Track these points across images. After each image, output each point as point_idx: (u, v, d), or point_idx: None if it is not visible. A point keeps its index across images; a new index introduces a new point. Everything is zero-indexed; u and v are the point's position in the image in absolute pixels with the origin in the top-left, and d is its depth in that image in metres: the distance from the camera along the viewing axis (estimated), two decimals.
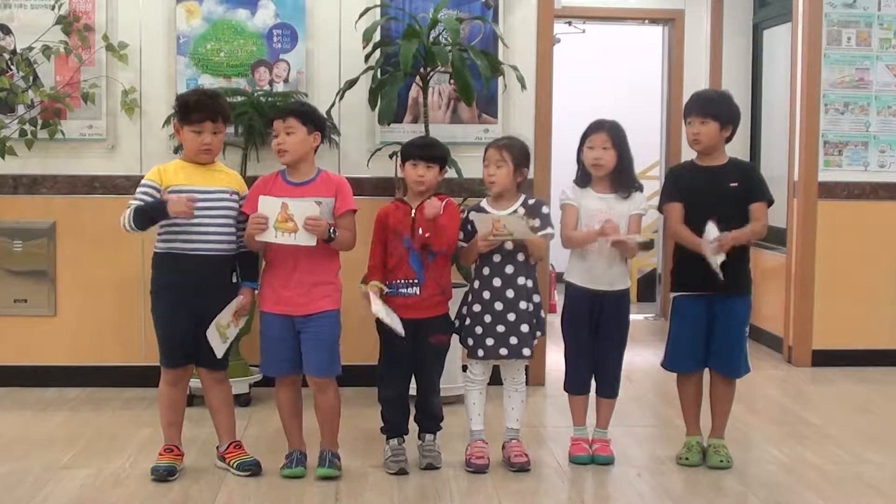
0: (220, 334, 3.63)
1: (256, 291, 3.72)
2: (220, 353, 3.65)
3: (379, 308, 3.67)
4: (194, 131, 3.60)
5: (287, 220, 3.53)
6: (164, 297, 3.64)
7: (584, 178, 3.94)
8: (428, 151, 3.81)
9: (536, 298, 3.86)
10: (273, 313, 3.68)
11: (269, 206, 3.55)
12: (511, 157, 3.81)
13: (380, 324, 3.78)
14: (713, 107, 3.88)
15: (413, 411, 3.91)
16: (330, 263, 3.71)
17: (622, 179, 3.90)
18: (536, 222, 3.79)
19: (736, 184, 3.84)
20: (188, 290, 3.58)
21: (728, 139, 3.92)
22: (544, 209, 3.86)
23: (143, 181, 3.64)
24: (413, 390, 3.93)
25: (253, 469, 3.70)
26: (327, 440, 3.81)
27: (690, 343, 3.90)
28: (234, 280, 3.73)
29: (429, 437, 3.86)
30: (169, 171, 3.63)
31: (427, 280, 3.73)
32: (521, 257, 3.82)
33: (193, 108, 3.59)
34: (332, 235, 3.61)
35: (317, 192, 3.66)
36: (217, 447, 3.82)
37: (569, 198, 3.93)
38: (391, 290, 3.75)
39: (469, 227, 3.81)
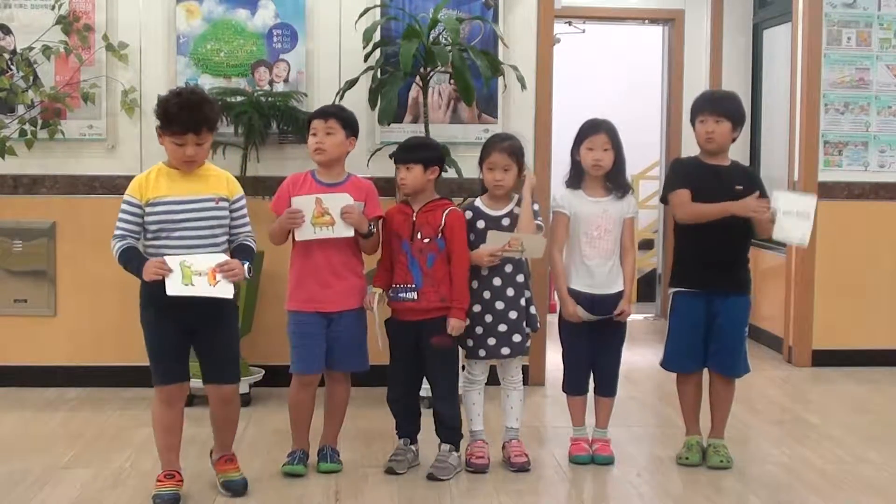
0: (182, 272, 3.27)
1: (247, 266, 3.42)
2: (169, 289, 3.25)
3: (375, 319, 3.74)
4: (176, 143, 3.36)
5: (323, 213, 3.60)
6: (150, 311, 3.43)
7: (576, 179, 3.94)
8: (404, 154, 3.80)
9: (527, 293, 3.87)
10: (308, 311, 3.70)
11: (303, 204, 3.61)
12: (515, 160, 3.82)
13: (388, 324, 3.81)
14: (727, 106, 3.87)
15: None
16: (358, 260, 3.79)
17: (617, 180, 3.90)
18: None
19: (742, 187, 3.81)
20: (174, 304, 3.29)
21: (734, 140, 3.91)
22: (535, 206, 3.86)
23: (124, 198, 3.42)
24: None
25: (237, 490, 3.52)
26: (331, 435, 3.84)
27: (690, 343, 3.89)
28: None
29: (444, 447, 3.81)
30: (150, 182, 3.40)
31: (424, 286, 3.71)
32: (516, 255, 3.82)
33: (174, 120, 3.34)
34: (371, 229, 3.70)
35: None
36: (210, 451, 3.70)
37: (559, 205, 3.93)
38: (391, 296, 3.76)
39: (472, 235, 3.80)
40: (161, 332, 3.41)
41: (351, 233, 3.65)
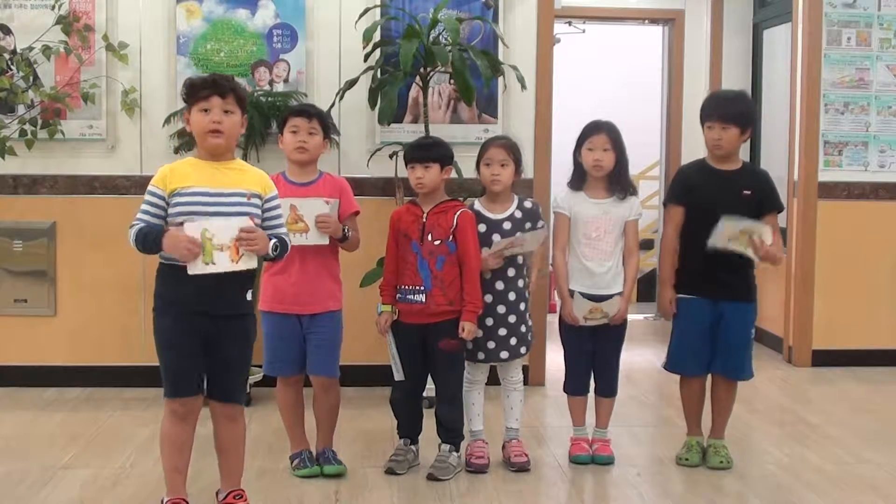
0: (203, 246, 3.01)
1: (273, 242, 3.17)
2: (190, 269, 3.03)
3: (391, 347, 3.73)
4: (202, 109, 3.14)
5: (297, 220, 3.56)
6: (167, 317, 3.18)
7: (578, 180, 3.94)
8: (422, 152, 3.78)
9: (528, 295, 3.90)
10: (279, 313, 3.68)
11: None
12: (512, 156, 3.82)
13: (394, 325, 3.79)
14: (734, 111, 3.83)
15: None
16: (334, 262, 3.75)
17: (619, 181, 3.90)
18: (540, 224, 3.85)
19: (749, 192, 3.81)
20: (195, 309, 3.12)
21: (744, 141, 3.90)
22: (541, 222, 3.89)
23: (149, 186, 3.15)
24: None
25: None
26: (326, 438, 3.82)
27: (693, 346, 3.89)
28: (250, 298, 3.26)
29: (444, 447, 3.80)
30: (176, 172, 3.14)
31: (434, 288, 3.69)
32: (520, 259, 3.83)
33: (200, 85, 3.17)
34: (347, 234, 3.66)
35: (320, 193, 3.69)
36: (217, 493, 3.40)
37: (560, 206, 3.93)
38: (399, 297, 3.75)
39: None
40: (179, 340, 3.15)
41: (325, 241, 3.62)
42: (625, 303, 3.89)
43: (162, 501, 3.30)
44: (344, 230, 3.66)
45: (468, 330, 3.68)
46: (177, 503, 3.25)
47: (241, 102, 3.22)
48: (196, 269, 3.04)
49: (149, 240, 3.08)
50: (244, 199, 3.15)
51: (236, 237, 3.05)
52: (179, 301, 3.15)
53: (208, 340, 3.17)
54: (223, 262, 3.04)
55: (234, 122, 3.18)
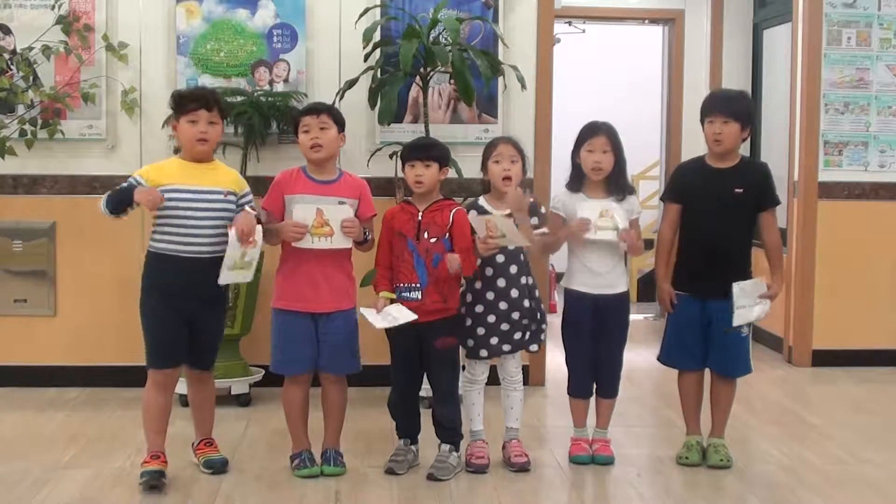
0: (240, 269, 3.56)
1: (255, 213, 3.63)
2: (247, 279, 3.66)
3: (384, 320, 3.68)
4: (190, 121, 3.57)
5: (323, 224, 3.61)
6: (153, 297, 3.60)
7: (576, 182, 3.93)
8: (423, 151, 3.79)
9: (537, 293, 3.89)
10: (292, 311, 3.69)
11: (304, 213, 3.61)
12: (520, 154, 3.83)
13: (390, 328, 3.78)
14: (736, 107, 3.85)
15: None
16: (347, 261, 3.76)
17: (617, 183, 3.89)
18: (534, 220, 3.81)
19: (741, 189, 3.82)
20: (178, 292, 3.55)
21: (744, 140, 3.91)
22: (542, 209, 3.88)
23: (132, 175, 3.60)
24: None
25: (216, 467, 3.70)
26: (332, 438, 3.82)
27: (686, 341, 3.90)
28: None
29: (444, 447, 3.80)
30: (163, 170, 3.61)
31: (429, 285, 3.69)
32: (523, 257, 3.83)
33: (188, 98, 3.62)
34: (367, 237, 3.70)
35: (341, 193, 3.70)
36: (192, 443, 3.81)
37: (555, 207, 3.93)
38: (395, 295, 3.75)
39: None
40: (164, 319, 3.58)
41: (349, 245, 3.66)
42: (634, 234, 3.83)
43: (143, 462, 3.62)
44: (365, 234, 3.69)
45: (451, 260, 3.62)
46: (156, 455, 3.60)
47: (223, 113, 3.70)
48: (224, 278, 3.56)
49: (124, 194, 3.51)
50: (222, 196, 3.59)
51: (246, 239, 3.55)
52: (165, 285, 3.57)
53: (190, 318, 3.59)
54: (254, 255, 3.59)
55: (218, 131, 3.65)
